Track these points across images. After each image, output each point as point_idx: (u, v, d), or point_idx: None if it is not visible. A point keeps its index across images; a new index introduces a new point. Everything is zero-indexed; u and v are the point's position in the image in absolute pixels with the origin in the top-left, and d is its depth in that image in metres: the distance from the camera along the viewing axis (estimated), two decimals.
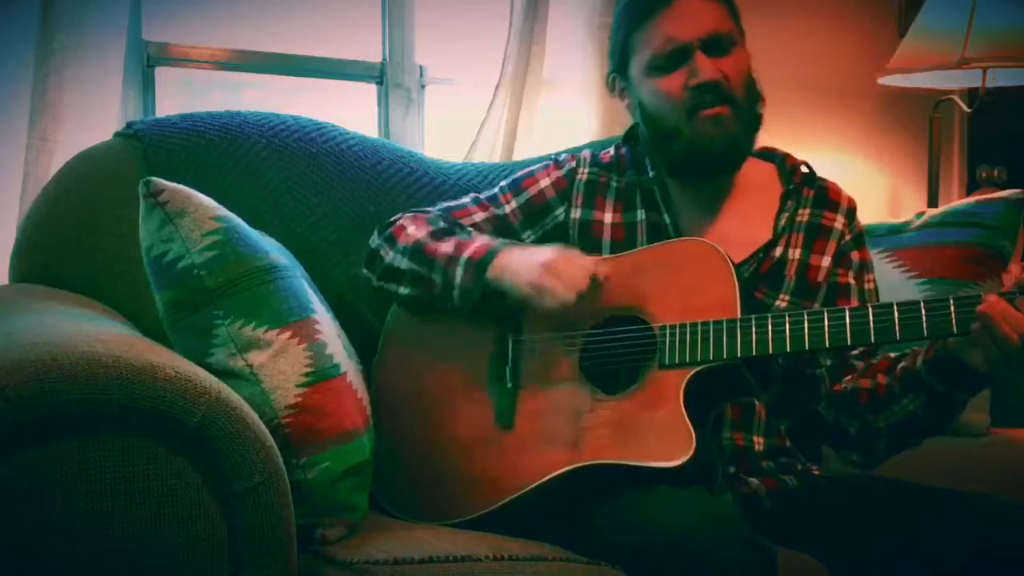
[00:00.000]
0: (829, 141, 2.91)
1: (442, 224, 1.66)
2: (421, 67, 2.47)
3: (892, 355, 1.56)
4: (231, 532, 1.16)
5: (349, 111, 2.45)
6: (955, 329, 1.34)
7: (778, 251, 1.61)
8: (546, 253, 1.51)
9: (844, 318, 1.39)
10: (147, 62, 2.12)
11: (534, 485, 1.45)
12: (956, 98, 2.79)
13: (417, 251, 1.60)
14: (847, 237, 1.65)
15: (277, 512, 1.18)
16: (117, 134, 1.80)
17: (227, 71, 2.30)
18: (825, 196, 1.66)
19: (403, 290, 1.63)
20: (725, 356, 1.42)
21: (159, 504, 1.11)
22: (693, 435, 1.37)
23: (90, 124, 1.88)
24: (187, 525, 1.13)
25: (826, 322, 1.40)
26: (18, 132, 1.85)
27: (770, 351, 1.42)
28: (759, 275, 1.60)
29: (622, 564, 1.32)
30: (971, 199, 2.28)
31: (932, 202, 2.78)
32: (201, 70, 2.26)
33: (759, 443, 1.58)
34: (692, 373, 1.43)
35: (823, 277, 1.62)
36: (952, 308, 1.34)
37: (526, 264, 1.50)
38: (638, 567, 1.30)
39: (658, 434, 1.40)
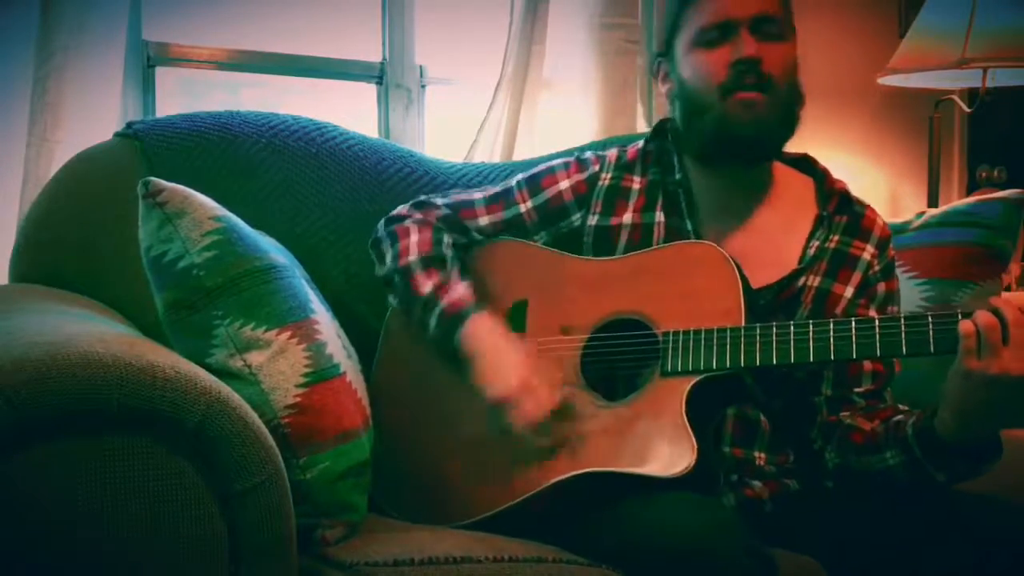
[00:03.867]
0: (829, 141, 2.90)
1: (440, 244, 1.64)
2: (421, 67, 2.47)
3: (901, 406, 1.53)
4: (231, 532, 1.15)
5: (349, 111, 2.45)
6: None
7: (800, 280, 1.56)
8: (519, 369, 1.48)
9: (850, 330, 1.35)
10: (147, 62, 2.12)
11: (532, 492, 1.44)
12: (956, 98, 2.79)
13: (404, 278, 1.62)
14: (875, 268, 1.60)
15: (277, 512, 1.18)
16: (117, 134, 1.80)
17: (227, 71, 2.30)
18: (858, 224, 1.61)
19: (392, 300, 1.67)
20: (728, 365, 1.40)
21: (159, 504, 1.11)
22: (694, 444, 1.35)
23: (90, 124, 1.88)
24: (187, 525, 1.13)
25: (831, 334, 1.36)
26: (18, 132, 1.85)
27: (774, 362, 1.39)
28: (778, 302, 1.55)
29: (622, 568, 1.32)
30: (971, 199, 2.27)
31: (932, 202, 2.78)
32: (201, 70, 2.26)
33: (760, 458, 1.56)
34: (694, 381, 1.41)
35: (842, 308, 1.57)
36: (960, 320, 1.29)
37: (496, 365, 1.49)
38: (638, 573, 1.30)
39: (659, 443, 1.38)
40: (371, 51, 2.44)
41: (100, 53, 1.90)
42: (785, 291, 1.56)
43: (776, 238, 1.59)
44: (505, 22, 2.35)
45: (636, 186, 1.65)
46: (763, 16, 1.52)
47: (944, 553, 1.32)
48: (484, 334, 1.53)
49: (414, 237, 1.64)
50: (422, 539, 1.38)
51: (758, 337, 1.40)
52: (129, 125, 1.79)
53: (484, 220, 1.69)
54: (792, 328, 1.39)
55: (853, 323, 1.36)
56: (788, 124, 1.55)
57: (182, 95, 2.28)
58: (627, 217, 1.63)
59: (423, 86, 2.48)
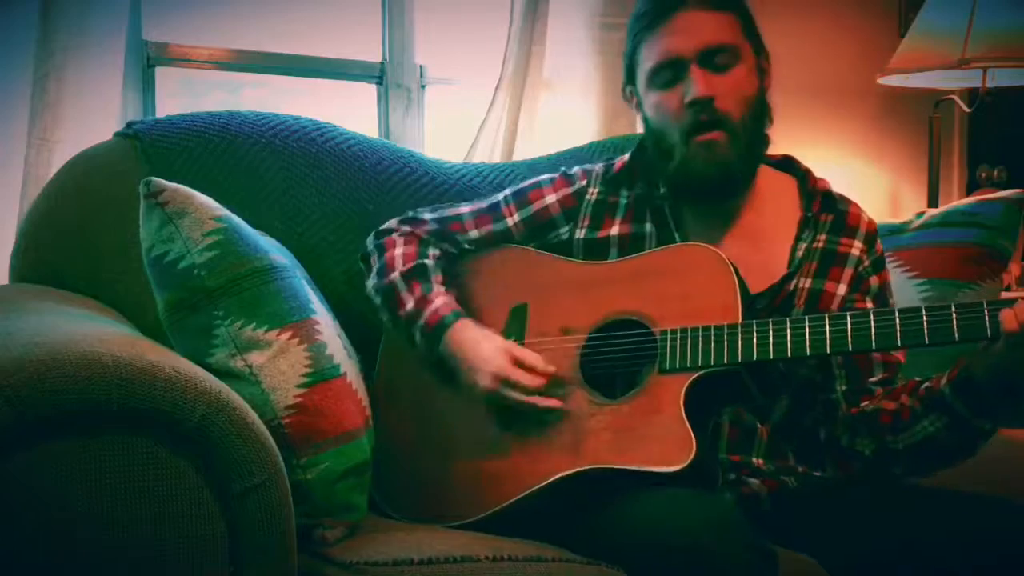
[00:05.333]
0: (829, 141, 2.91)
1: (424, 257, 1.65)
2: (421, 67, 2.47)
3: (917, 379, 1.53)
4: (231, 532, 1.15)
5: (349, 111, 2.45)
6: (956, 336, 1.32)
7: (792, 283, 1.56)
8: (497, 359, 1.51)
9: (845, 324, 1.38)
10: (147, 62, 2.12)
11: (533, 489, 1.45)
12: (956, 98, 2.79)
13: (388, 296, 1.64)
14: (865, 263, 1.60)
15: (277, 512, 1.18)
16: (117, 134, 1.80)
17: (227, 71, 2.30)
18: (843, 222, 1.61)
19: (382, 316, 1.67)
20: (726, 361, 1.41)
21: (159, 504, 1.11)
22: (693, 440, 1.36)
23: (90, 124, 1.88)
24: (187, 525, 1.12)
25: (827, 327, 1.38)
26: (18, 132, 1.85)
27: (771, 356, 1.40)
28: (772, 308, 1.55)
29: (623, 565, 1.32)
30: (971, 199, 2.27)
31: (932, 202, 2.78)
32: (201, 70, 2.26)
33: (759, 464, 1.55)
34: (692, 378, 1.42)
35: (837, 305, 1.57)
36: (954, 314, 1.32)
37: (481, 361, 1.52)
38: (639, 570, 1.30)
39: (658, 439, 1.39)
40: (371, 51, 2.44)
41: (100, 53, 1.90)
42: (778, 296, 1.56)
43: (763, 242, 1.59)
44: (505, 22, 2.35)
45: (624, 201, 1.66)
46: (710, 49, 1.51)
47: (943, 552, 1.33)
48: (462, 335, 1.55)
49: (399, 250, 1.66)
50: (422, 539, 1.38)
51: (755, 333, 1.41)
52: (129, 125, 1.79)
53: (473, 233, 1.70)
54: (788, 324, 1.40)
55: (849, 317, 1.38)
56: (752, 154, 1.57)
57: (182, 95, 2.28)
58: (615, 229, 1.64)
59: (423, 86, 2.48)
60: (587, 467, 1.43)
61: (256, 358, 1.38)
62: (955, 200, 2.74)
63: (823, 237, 1.60)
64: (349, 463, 1.43)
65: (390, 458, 1.58)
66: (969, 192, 2.94)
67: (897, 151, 3.03)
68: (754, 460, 1.55)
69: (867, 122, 3.00)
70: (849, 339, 1.37)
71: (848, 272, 1.59)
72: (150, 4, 2.10)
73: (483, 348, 1.54)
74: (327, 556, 1.34)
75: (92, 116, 1.90)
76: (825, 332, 1.38)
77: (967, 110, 2.75)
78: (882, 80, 2.74)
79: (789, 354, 1.40)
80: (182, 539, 1.12)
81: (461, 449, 1.55)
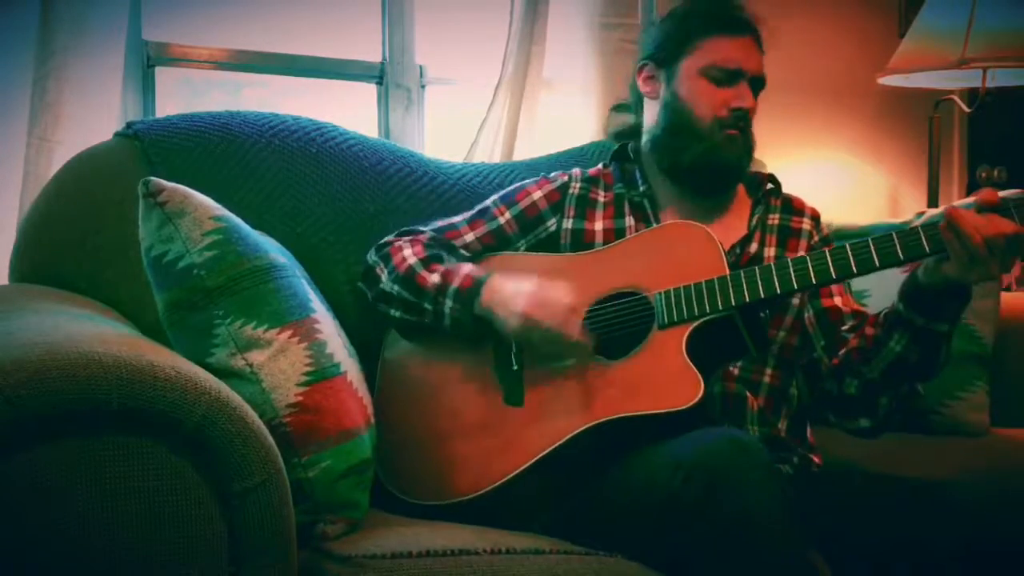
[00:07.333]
0: (829, 141, 2.91)
1: (434, 250, 1.71)
2: (421, 67, 2.47)
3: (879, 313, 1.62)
4: (231, 532, 1.16)
5: (349, 111, 2.45)
6: (927, 248, 1.42)
7: (754, 247, 1.71)
8: (523, 297, 1.55)
9: (825, 257, 1.48)
10: (147, 62, 2.12)
11: (550, 448, 1.48)
12: (956, 98, 2.79)
13: (408, 279, 1.66)
14: (815, 238, 1.76)
15: (277, 512, 1.18)
16: (117, 134, 1.80)
17: (227, 71, 2.30)
18: (791, 205, 1.79)
19: (395, 313, 1.68)
20: (720, 307, 1.49)
21: (159, 504, 1.11)
22: (700, 378, 1.42)
23: (90, 124, 1.88)
24: (187, 525, 1.13)
25: (810, 263, 1.49)
26: (18, 132, 1.85)
27: (761, 295, 1.49)
28: (738, 268, 1.63)
29: (639, 504, 1.35)
30: (971, 199, 2.27)
31: (932, 202, 2.78)
32: (201, 70, 2.26)
33: (752, 432, 1.60)
34: (691, 328, 1.49)
35: None
36: (922, 233, 1.43)
37: (513, 303, 1.56)
38: (657, 495, 1.32)
39: (667, 382, 1.45)
40: (371, 51, 2.44)
41: (100, 53, 1.90)
42: (742, 258, 1.69)
43: (728, 226, 1.73)
44: (505, 22, 2.35)
45: (602, 199, 1.77)
46: (759, 76, 1.74)
47: (940, 548, 1.33)
48: (497, 284, 1.59)
49: (408, 250, 1.70)
50: (420, 532, 1.38)
51: (743, 278, 1.50)
52: (129, 125, 1.79)
53: (469, 236, 1.77)
54: (773, 265, 1.50)
55: (827, 251, 1.48)
56: (750, 158, 1.77)
57: (182, 95, 2.28)
58: (599, 224, 1.74)
59: (423, 86, 2.48)
60: (601, 420, 1.47)
61: (256, 357, 1.38)
62: (955, 200, 2.74)
63: (776, 216, 1.76)
64: (351, 461, 1.43)
65: (402, 445, 1.60)
66: (969, 192, 2.94)
67: (897, 151, 3.03)
68: (750, 428, 1.61)
69: (867, 122, 2.99)
70: (831, 266, 1.47)
71: (803, 243, 1.75)
72: (150, 4, 2.10)
73: (514, 288, 1.57)
74: (325, 550, 1.34)
75: (92, 116, 1.90)
76: (808, 265, 1.48)
77: (967, 110, 2.75)
78: (882, 80, 2.74)
79: (779, 290, 1.48)
80: (182, 539, 1.12)
81: (473, 428, 1.58)
